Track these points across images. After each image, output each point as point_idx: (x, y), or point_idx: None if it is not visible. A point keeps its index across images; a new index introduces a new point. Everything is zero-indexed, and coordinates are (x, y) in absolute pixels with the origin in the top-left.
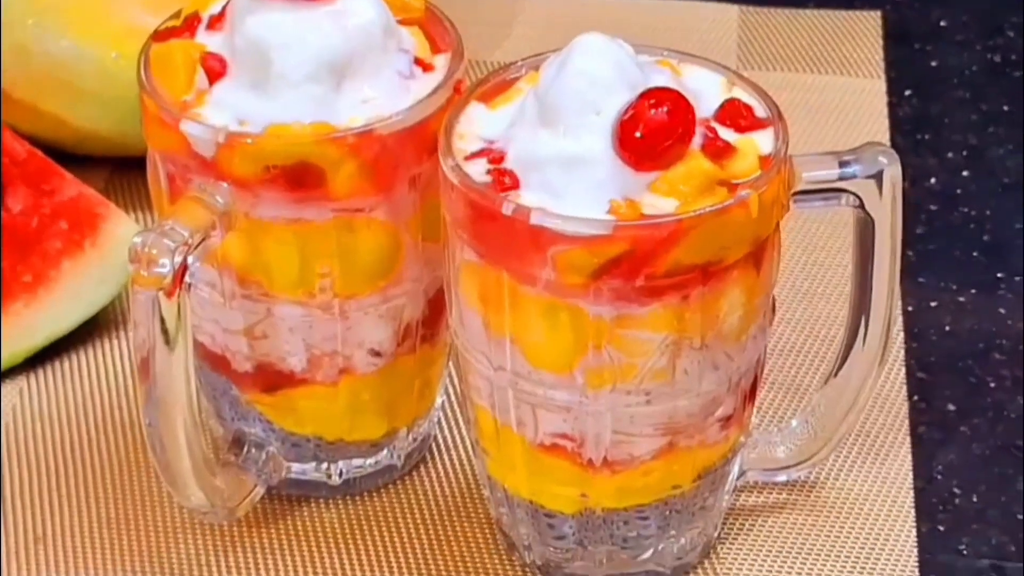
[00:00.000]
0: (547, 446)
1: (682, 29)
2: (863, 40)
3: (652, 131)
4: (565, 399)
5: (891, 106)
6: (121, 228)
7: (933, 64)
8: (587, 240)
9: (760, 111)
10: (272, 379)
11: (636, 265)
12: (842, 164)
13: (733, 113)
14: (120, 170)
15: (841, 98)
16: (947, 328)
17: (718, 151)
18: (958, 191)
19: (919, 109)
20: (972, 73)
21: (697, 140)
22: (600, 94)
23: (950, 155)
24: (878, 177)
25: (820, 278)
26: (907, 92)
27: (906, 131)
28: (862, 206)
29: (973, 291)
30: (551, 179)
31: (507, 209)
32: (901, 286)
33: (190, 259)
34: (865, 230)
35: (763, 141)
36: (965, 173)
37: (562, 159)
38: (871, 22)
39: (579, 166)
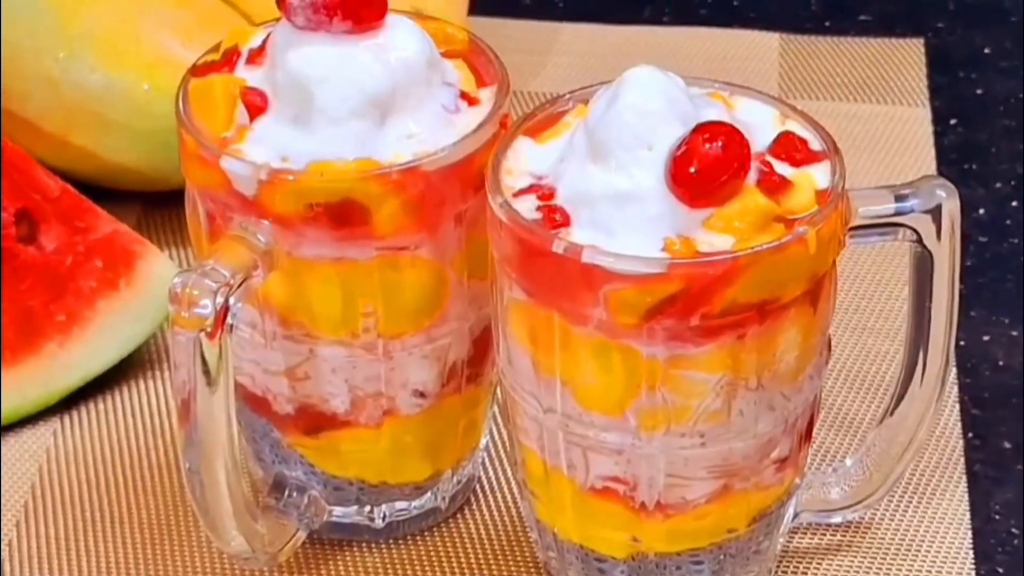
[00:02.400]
0: (598, 489)
1: (722, 58)
2: (906, 68)
3: (706, 166)
4: (617, 442)
5: (936, 135)
6: (157, 266)
7: (978, 92)
8: (641, 279)
9: (815, 144)
10: (314, 421)
11: (691, 304)
12: (898, 198)
13: (788, 147)
14: (153, 204)
15: (885, 127)
16: (1000, 363)
17: (774, 186)
18: (1007, 222)
19: (965, 138)
20: (1018, 100)
21: (752, 175)
22: (652, 128)
23: (998, 185)
24: (936, 211)
25: (869, 312)
26: (952, 121)
27: (952, 160)
28: (920, 241)
29: None
30: (603, 216)
31: (558, 247)
32: None
33: (232, 300)
34: (922, 265)
35: (819, 175)
36: (1014, 203)
37: (614, 195)
38: (913, 49)
39: (631, 203)
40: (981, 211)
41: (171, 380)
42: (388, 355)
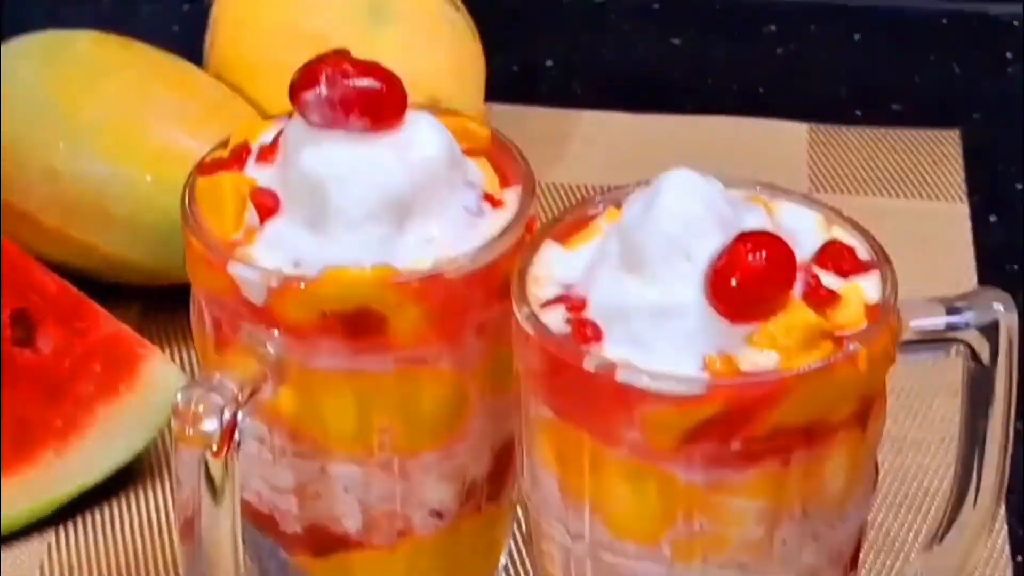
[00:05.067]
0: None
1: (749, 150)
2: (942, 159)
3: (749, 279)
4: (651, 571)
5: (975, 233)
6: (159, 370)
7: (1018, 187)
8: (678, 399)
9: (863, 253)
10: (324, 541)
11: (732, 427)
12: (951, 311)
13: (835, 256)
14: (155, 300)
15: (921, 224)
16: None
17: (821, 300)
18: None
19: (1006, 236)
20: None
21: (798, 287)
22: (691, 237)
23: None
24: (992, 327)
25: (909, 424)
26: (992, 218)
27: (993, 262)
28: (974, 357)
29: None
30: (638, 331)
31: (589, 364)
32: None
33: (240, 415)
34: (977, 382)
35: (868, 287)
36: None
37: (650, 309)
38: (950, 140)
39: (669, 317)
40: None
41: (175, 497)
42: (404, 473)
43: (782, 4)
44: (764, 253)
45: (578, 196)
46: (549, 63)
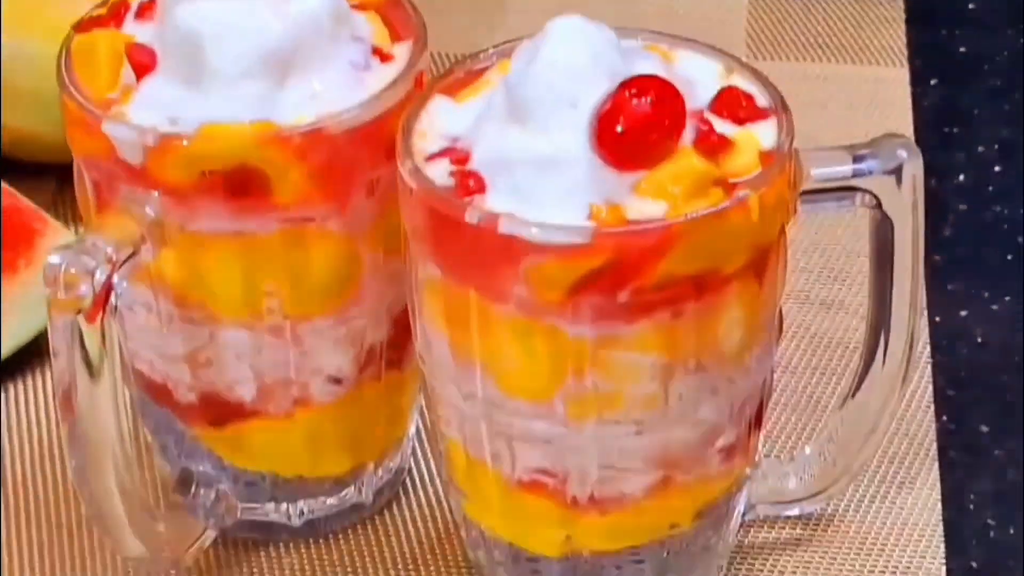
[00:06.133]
0: (526, 483)
1: (685, 15)
2: (884, 25)
3: (634, 125)
4: (544, 431)
5: (915, 97)
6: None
7: (961, 50)
8: (564, 250)
9: (761, 100)
10: (219, 411)
11: (620, 278)
12: (856, 159)
13: (731, 102)
14: (68, 177)
15: (860, 89)
16: (979, 340)
17: (713, 146)
18: (989, 188)
19: (946, 100)
20: (1003, 60)
21: (689, 134)
22: (576, 85)
23: (980, 149)
24: (897, 173)
25: (837, 283)
26: (933, 81)
27: (932, 124)
28: (879, 206)
29: (1007, 298)
30: (522, 181)
31: (471, 217)
32: (928, 295)
33: (116, 278)
34: (883, 233)
35: (764, 134)
36: (997, 168)
37: (534, 159)
38: (893, 4)
39: (553, 166)
40: (962, 177)
41: (51, 368)
42: (297, 339)
43: None
44: (650, 97)
45: None
46: None
